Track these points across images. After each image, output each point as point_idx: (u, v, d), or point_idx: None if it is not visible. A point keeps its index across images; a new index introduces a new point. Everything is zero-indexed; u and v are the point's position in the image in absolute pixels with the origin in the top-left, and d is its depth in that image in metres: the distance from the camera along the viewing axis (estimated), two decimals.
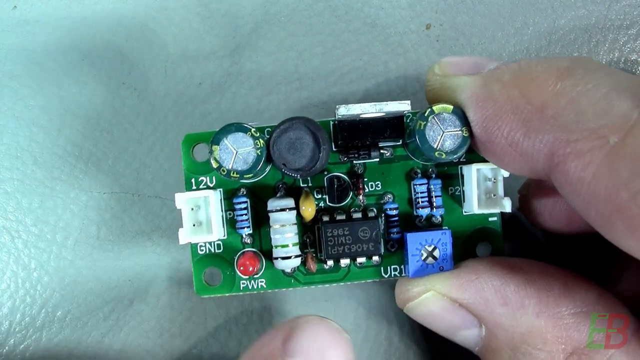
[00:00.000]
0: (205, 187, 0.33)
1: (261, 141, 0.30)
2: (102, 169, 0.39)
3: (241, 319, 0.38)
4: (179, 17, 0.39)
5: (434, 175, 0.33)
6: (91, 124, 0.39)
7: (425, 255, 0.32)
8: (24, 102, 0.39)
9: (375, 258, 0.33)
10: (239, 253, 0.34)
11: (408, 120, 0.32)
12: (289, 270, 0.34)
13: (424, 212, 0.33)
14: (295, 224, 0.32)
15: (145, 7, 0.40)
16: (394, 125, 0.31)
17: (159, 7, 0.40)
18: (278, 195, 0.33)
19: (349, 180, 0.34)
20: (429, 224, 0.34)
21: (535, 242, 0.37)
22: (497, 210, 0.32)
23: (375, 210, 0.34)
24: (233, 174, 0.30)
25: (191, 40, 0.39)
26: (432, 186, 0.33)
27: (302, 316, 0.29)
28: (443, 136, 0.30)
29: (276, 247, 0.32)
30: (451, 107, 0.30)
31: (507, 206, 0.32)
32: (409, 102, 0.30)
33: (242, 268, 0.33)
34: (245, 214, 0.33)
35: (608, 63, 0.39)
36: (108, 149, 0.39)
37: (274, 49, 0.39)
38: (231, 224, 0.34)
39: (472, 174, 0.32)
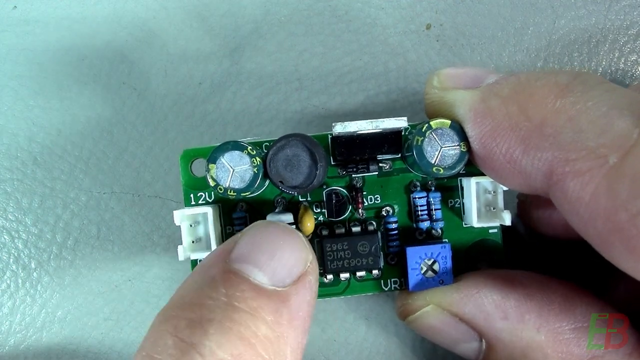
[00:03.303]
0: (204, 202, 0.33)
1: (258, 159, 0.30)
2: (102, 169, 0.39)
3: None
4: (179, 17, 0.39)
5: (433, 188, 0.33)
6: (91, 124, 0.39)
7: (425, 268, 0.32)
8: (24, 102, 0.39)
9: (375, 272, 0.33)
10: None
11: (406, 133, 0.32)
12: None
13: (424, 225, 0.33)
14: None
15: (145, 7, 0.40)
16: (391, 140, 0.31)
17: (159, 7, 0.39)
18: (277, 210, 0.33)
19: (348, 194, 0.33)
20: (429, 237, 0.34)
21: (533, 251, 0.37)
22: (496, 224, 0.32)
23: (374, 223, 0.33)
24: (230, 192, 0.30)
25: (191, 40, 0.39)
26: (431, 199, 0.33)
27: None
28: (441, 151, 0.30)
29: None
30: (449, 122, 0.29)
31: (507, 219, 0.32)
32: (405, 118, 0.29)
33: None
34: None
35: (608, 63, 0.39)
36: (108, 149, 0.39)
37: (274, 49, 0.39)
38: None
39: (472, 186, 0.32)
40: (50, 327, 0.38)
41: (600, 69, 0.39)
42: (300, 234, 0.28)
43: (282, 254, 0.26)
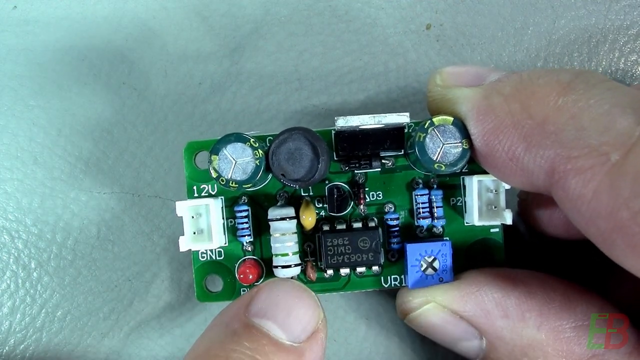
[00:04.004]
0: (206, 194, 0.34)
1: (260, 151, 0.30)
2: (102, 169, 0.39)
3: None
4: (179, 17, 0.39)
5: (435, 186, 0.33)
6: (91, 123, 0.39)
7: (424, 266, 0.32)
8: (24, 102, 0.39)
9: (375, 268, 0.33)
10: (239, 261, 0.34)
11: (410, 130, 0.32)
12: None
13: (425, 222, 0.33)
14: (295, 232, 0.32)
15: (145, 7, 0.40)
16: (394, 136, 0.31)
17: (159, 7, 0.39)
18: (278, 204, 0.33)
19: (350, 190, 0.33)
20: (430, 235, 0.34)
21: (534, 250, 0.37)
22: (498, 222, 0.32)
23: (375, 220, 0.33)
24: (232, 183, 0.30)
25: (191, 40, 0.39)
26: (433, 197, 0.33)
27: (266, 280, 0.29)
28: (443, 148, 0.30)
29: (276, 255, 0.32)
30: (451, 119, 0.30)
31: (508, 218, 0.32)
32: (407, 114, 0.29)
33: (242, 276, 0.33)
34: (246, 222, 0.33)
35: (608, 63, 0.39)
36: (108, 149, 0.39)
37: (274, 49, 0.39)
38: (232, 231, 0.34)
39: (474, 185, 0.32)
40: (50, 327, 0.38)
41: (600, 69, 0.39)
42: (313, 293, 0.29)
43: (297, 312, 0.27)
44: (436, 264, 0.32)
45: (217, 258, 0.34)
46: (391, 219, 0.33)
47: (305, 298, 0.28)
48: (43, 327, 0.38)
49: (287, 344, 0.27)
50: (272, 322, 0.27)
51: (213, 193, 0.34)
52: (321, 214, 0.34)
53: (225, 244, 0.34)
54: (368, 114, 0.29)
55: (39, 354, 0.38)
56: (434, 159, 0.30)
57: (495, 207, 0.32)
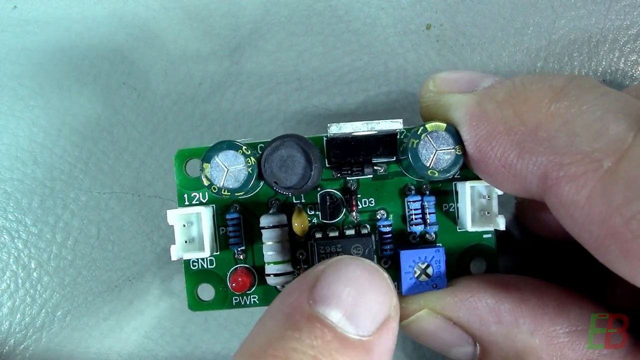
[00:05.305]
0: (198, 202, 0.33)
1: (252, 159, 0.29)
2: (102, 169, 0.39)
3: (242, 318, 0.38)
4: (179, 17, 0.39)
5: (427, 192, 0.33)
6: (91, 123, 0.39)
7: (418, 272, 0.32)
8: (24, 102, 0.39)
9: None
10: (231, 269, 0.33)
11: (402, 137, 0.32)
12: (281, 287, 0.33)
13: (418, 229, 0.33)
14: (287, 240, 0.32)
15: (145, 7, 0.40)
16: (386, 143, 0.31)
17: (159, 7, 0.39)
18: (270, 211, 0.33)
19: (342, 197, 0.33)
20: (423, 241, 0.33)
21: (528, 255, 0.37)
22: (491, 228, 0.32)
23: (368, 226, 0.33)
24: (224, 191, 0.30)
25: (191, 40, 0.39)
26: (426, 203, 0.33)
27: (332, 258, 0.27)
28: (436, 154, 0.29)
29: (268, 263, 0.32)
30: (444, 125, 0.29)
31: (501, 224, 0.31)
32: (401, 120, 0.29)
33: (234, 284, 0.32)
34: (238, 230, 0.33)
35: (608, 63, 0.39)
36: (108, 149, 0.39)
37: (274, 49, 0.39)
38: (224, 239, 0.33)
39: (466, 191, 0.32)
40: (50, 327, 0.38)
41: (600, 69, 0.39)
42: (386, 274, 0.27)
43: (367, 298, 0.25)
44: (429, 271, 0.32)
45: (209, 266, 0.34)
46: (384, 226, 0.33)
47: (376, 280, 0.26)
48: (43, 327, 0.38)
49: (354, 339, 0.25)
50: (336, 311, 0.25)
51: (204, 201, 0.33)
52: (313, 221, 0.33)
53: (217, 252, 0.33)
54: (366, 119, 0.29)
55: (39, 354, 0.38)
56: (427, 165, 0.29)
57: (488, 213, 0.32)
